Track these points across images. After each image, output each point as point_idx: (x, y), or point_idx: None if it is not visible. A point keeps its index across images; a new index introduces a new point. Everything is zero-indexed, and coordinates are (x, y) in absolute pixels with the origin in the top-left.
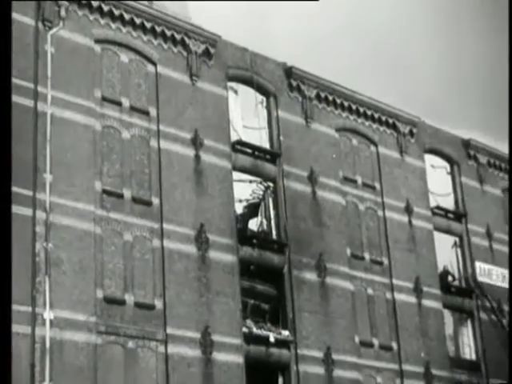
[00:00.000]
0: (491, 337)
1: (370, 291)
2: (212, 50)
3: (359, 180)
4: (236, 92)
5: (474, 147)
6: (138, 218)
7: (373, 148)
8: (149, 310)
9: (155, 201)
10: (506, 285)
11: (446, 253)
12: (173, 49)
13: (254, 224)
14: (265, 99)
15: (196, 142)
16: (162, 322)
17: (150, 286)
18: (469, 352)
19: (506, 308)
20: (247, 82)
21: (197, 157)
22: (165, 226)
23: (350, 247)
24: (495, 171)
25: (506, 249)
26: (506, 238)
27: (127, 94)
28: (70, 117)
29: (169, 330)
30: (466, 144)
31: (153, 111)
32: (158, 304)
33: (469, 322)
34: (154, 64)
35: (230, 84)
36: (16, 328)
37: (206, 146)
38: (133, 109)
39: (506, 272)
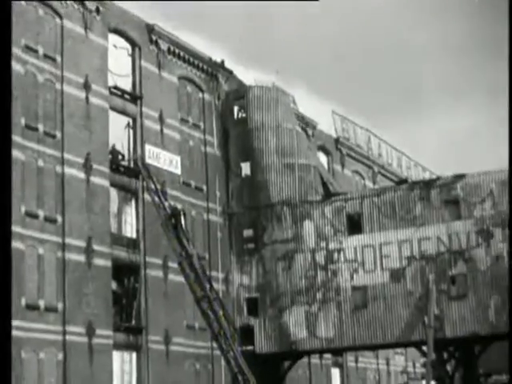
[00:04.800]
0: (152, 217)
1: (40, 163)
2: None
3: (41, 50)
4: None
5: (157, 33)
6: None
7: (58, 20)
8: None
9: None
10: (172, 169)
11: (118, 133)
12: None
13: None
14: None
15: None
16: None
17: None
18: (130, 230)
19: (169, 191)
20: None
21: None
22: None
23: (25, 117)
24: (174, 59)
25: (175, 134)
26: (176, 124)
27: None
28: None
29: None
30: (150, 29)
31: None
32: None
33: (133, 202)
34: None
35: None
36: None
37: None
38: None
39: (173, 157)
